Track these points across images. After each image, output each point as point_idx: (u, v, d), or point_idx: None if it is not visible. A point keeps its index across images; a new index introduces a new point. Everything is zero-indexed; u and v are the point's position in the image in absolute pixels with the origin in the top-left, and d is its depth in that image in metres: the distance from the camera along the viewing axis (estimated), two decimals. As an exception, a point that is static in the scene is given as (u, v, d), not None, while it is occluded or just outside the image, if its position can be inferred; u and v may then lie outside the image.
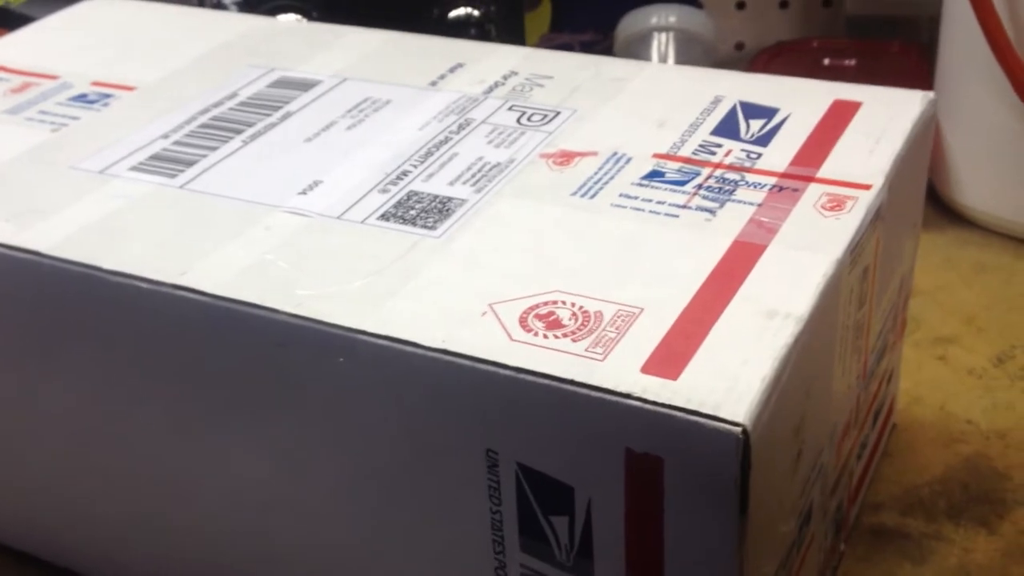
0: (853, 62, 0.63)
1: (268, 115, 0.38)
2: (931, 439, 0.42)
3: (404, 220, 0.32)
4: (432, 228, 0.31)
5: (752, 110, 0.36)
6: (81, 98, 0.41)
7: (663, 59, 0.64)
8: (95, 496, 0.36)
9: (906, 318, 0.41)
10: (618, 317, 0.27)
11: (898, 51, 0.64)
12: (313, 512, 0.31)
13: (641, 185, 0.33)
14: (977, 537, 0.38)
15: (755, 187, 0.32)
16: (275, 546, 0.33)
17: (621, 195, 0.32)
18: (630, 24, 0.66)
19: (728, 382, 0.25)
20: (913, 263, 0.39)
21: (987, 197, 0.54)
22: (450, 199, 0.33)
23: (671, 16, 0.64)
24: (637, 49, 0.65)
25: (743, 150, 0.34)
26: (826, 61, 0.63)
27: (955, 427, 0.43)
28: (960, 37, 0.52)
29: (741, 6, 0.72)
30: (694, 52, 0.64)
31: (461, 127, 0.36)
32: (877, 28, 0.69)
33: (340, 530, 0.31)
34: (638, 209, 0.31)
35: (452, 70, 0.40)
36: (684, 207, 0.31)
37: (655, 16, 0.65)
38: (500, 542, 0.29)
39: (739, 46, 0.73)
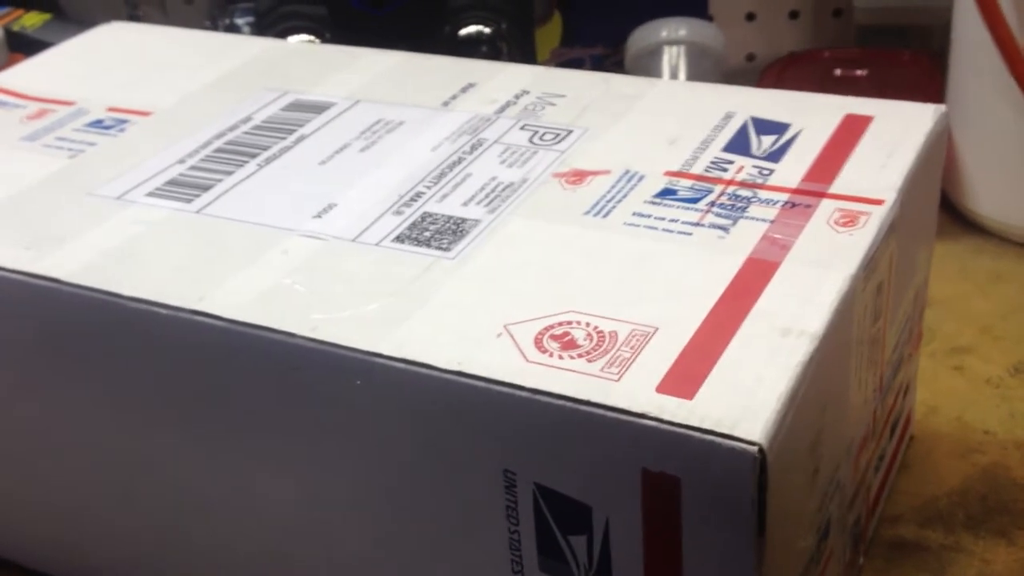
0: (864, 72, 0.63)
1: (282, 138, 0.38)
2: (948, 450, 0.42)
3: (418, 242, 0.32)
4: (446, 249, 0.31)
5: (763, 126, 0.36)
6: (97, 124, 0.41)
7: (674, 73, 0.64)
8: (114, 518, 0.36)
9: (922, 329, 0.41)
10: (633, 336, 0.27)
11: (909, 60, 0.64)
12: (331, 533, 0.32)
13: (654, 203, 0.33)
14: (997, 548, 0.38)
15: (768, 204, 0.32)
16: (294, 566, 0.33)
17: (634, 214, 0.32)
18: (641, 38, 0.66)
19: (744, 400, 0.25)
20: (928, 274, 0.39)
21: (1001, 206, 0.54)
22: (464, 220, 0.33)
23: (681, 29, 0.65)
24: (648, 63, 0.65)
25: (755, 166, 0.34)
26: (837, 71, 0.63)
27: (972, 437, 0.43)
28: (971, 45, 0.52)
29: (751, 17, 0.72)
30: (705, 65, 0.65)
31: (474, 147, 0.37)
32: (888, 37, 0.69)
33: (358, 551, 0.31)
34: (651, 227, 0.32)
35: (464, 90, 0.40)
36: (697, 225, 0.31)
37: (665, 30, 0.65)
38: (519, 562, 0.29)
39: (750, 57, 0.73)
